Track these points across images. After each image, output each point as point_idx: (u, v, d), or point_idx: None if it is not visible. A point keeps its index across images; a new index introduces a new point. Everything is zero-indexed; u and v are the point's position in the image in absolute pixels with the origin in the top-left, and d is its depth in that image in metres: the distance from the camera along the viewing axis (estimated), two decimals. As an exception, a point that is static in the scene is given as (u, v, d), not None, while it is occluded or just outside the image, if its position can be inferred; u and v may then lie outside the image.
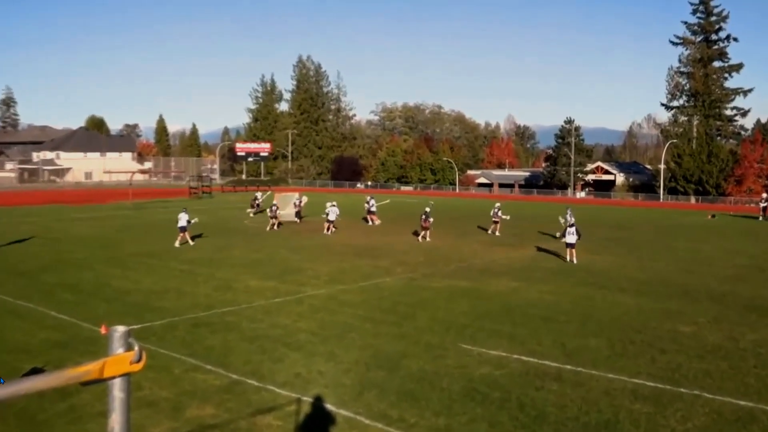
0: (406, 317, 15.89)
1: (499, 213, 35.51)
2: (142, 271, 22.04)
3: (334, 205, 35.18)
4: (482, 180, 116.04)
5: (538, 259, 26.44)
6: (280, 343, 13.50)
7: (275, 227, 36.06)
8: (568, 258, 25.63)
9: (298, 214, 41.47)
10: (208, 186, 73.99)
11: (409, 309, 16.75)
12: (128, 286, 19.41)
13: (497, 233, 34.66)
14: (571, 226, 26.74)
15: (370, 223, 39.27)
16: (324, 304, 17.32)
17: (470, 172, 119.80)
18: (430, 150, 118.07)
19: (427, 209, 33.80)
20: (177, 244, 28.86)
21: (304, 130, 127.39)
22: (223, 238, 32.28)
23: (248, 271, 22.44)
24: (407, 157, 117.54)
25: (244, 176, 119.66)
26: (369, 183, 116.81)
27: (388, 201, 42.63)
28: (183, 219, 29.63)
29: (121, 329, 2.52)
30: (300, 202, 42.18)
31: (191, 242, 29.24)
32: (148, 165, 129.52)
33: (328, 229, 34.28)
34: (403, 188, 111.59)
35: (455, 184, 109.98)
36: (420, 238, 32.92)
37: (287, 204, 42.91)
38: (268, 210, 39.60)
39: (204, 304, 17.07)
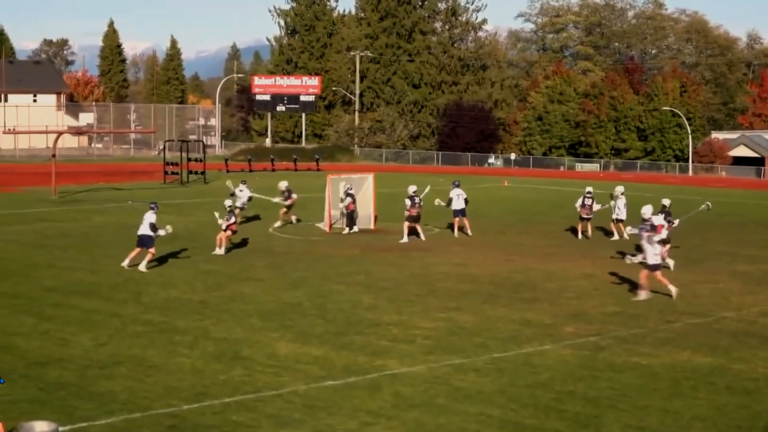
0: (586, 425, 15.70)
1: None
2: (73, 323, 22.57)
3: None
4: (741, 152, 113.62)
5: None
6: (334, 469, 13.56)
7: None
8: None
9: (350, 218, 41.41)
10: (199, 160, 75.11)
11: (590, 408, 16.55)
12: (48, 351, 19.93)
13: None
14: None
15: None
16: (422, 393, 17.28)
17: (716, 135, 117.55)
18: (636, 90, 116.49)
19: (665, 206, 34.32)
20: (139, 265, 29.86)
21: (386, 52, 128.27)
22: (225, 261, 32.82)
23: (274, 325, 22.66)
24: (590, 106, 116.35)
25: (268, 141, 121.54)
26: (513, 156, 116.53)
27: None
28: (147, 221, 30.31)
29: (42, 428, 2.57)
30: (347, 194, 41.87)
31: (144, 269, 29.93)
32: (86, 119, 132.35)
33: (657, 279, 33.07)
34: (581, 167, 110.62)
35: (686, 160, 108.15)
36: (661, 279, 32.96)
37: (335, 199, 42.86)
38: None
39: (190, 389, 17.34)
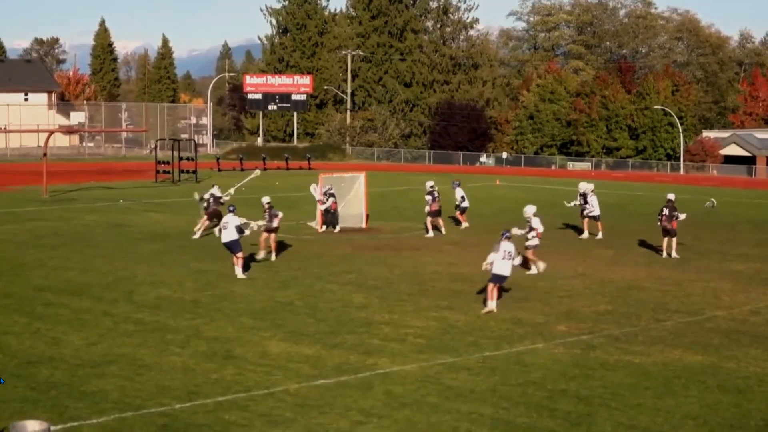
0: (578, 423, 15.74)
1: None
2: (64, 322, 22.60)
3: None
4: (732, 150, 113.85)
5: None
6: (326, 468, 13.55)
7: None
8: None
9: (332, 218, 41.32)
10: (191, 159, 74.98)
11: (582, 406, 16.61)
12: (39, 350, 19.97)
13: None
14: None
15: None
16: (414, 392, 17.34)
17: (708, 134, 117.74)
18: (628, 90, 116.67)
19: (671, 200, 34.89)
20: (236, 273, 29.19)
21: (378, 51, 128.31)
22: (217, 259, 32.73)
23: (265, 324, 22.71)
24: (582, 105, 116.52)
25: (260, 140, 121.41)
26: (504, 154, 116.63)
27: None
28: (231, 225, 29.00)
29: (34, 427, 2.55)
30: (329, 195, 41.70)
31: (242, 275, 29.10)
32: (77, 118, 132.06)
33: None
34: (573, 166, 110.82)
35: (678, 159, 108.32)
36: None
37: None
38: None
39: (181, 388, 17.35)
